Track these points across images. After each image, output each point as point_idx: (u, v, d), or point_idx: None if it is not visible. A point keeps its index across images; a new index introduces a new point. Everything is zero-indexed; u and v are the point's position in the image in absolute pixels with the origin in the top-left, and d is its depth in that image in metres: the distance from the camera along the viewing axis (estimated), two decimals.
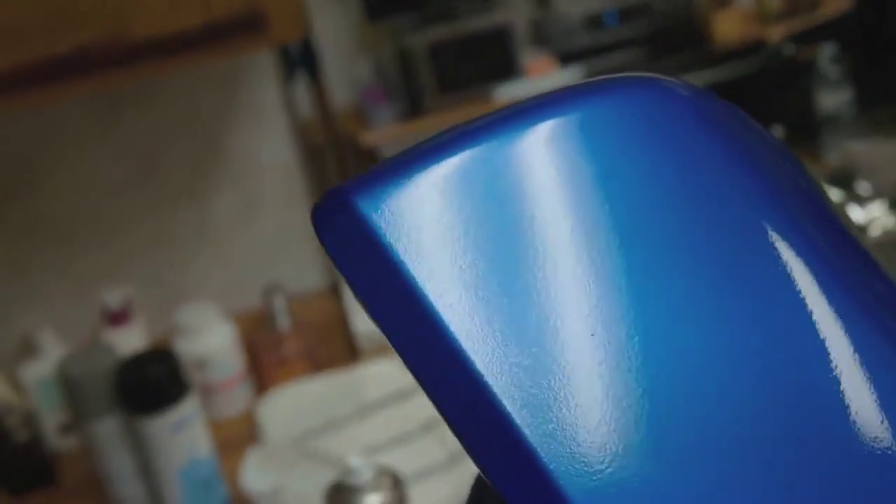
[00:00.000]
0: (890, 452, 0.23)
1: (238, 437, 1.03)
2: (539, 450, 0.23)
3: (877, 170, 1.15)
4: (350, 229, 0.25)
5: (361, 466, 0.71)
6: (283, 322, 1.12)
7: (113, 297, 1.14)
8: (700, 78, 2.13)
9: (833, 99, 1.40)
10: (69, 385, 0.85)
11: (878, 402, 0.24)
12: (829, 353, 0.24)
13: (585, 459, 0.23)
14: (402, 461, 0.84)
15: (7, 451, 1.04)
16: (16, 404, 1.05)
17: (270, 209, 1.34)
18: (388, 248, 0.24)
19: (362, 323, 1.11)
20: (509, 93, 2.14)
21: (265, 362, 1.12)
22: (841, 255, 0.27)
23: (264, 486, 0.87)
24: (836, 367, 0.24)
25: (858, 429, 0.24)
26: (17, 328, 1.22)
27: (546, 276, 0.24)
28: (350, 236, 0.25)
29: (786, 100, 1.52)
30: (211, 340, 1.07)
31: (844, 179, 1.12)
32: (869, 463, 0.23)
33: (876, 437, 0.24)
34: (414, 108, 2.14)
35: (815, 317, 0.25)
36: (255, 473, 0.89)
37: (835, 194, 1.09)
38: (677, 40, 2.32)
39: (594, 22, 2.33)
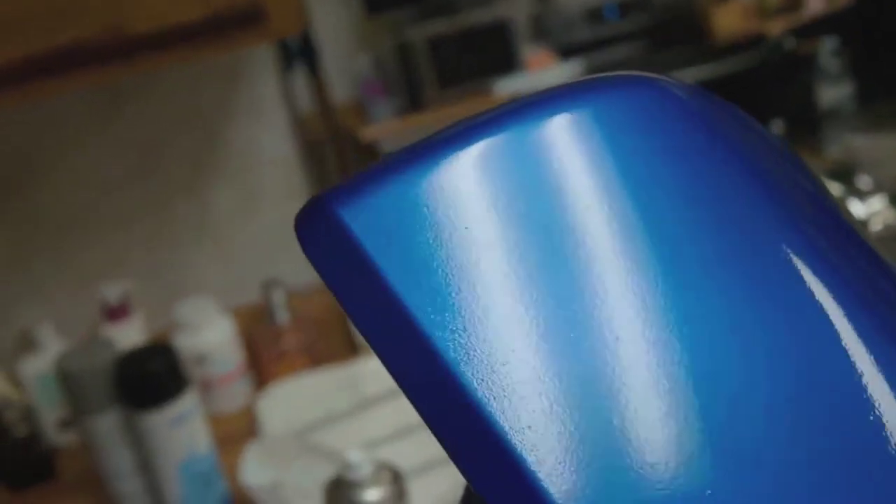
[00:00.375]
0: None
1: (237, 432, 1.03)
2: (525, 457, 0.22)
3: (877, 164, 1.15)
4: (331, 238, 0.24)
5: (361, 461, 0.71)
6: (283, 317, 1.11)
7: (112, 292, 1.14)
8: (700, 72, 2.12)
9: (833, 93, 1.40)
10: (68, 380, 0.85)
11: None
12: (852, 366, 0.24)
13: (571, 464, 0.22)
14: (402, 456, 0.84)
15: (6, 446, 1.04)
16: (15, 399, 1.05)
17: (270, 204, 1.34)
18: (370, 258, 0.24)
19: None
20: (509, 87, 2.14)
21: (264, 357, 1.12)
22: (845, 254, 0.27)
23: (264, 481, 0.87)
24: (860, 377, 0.24)
25: (890, 436, 0.23)
26: (17, 323, 1.22)
27: (539, 284, 0.24)
28: (332, 245, 0.24)
29: (786, 94, 1.51)
30: (210, 335, 1.07)
31: (845, 174, 1.12)
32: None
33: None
34: (414, 102, 2.14)
35: (831, 327, 0.24)
36: (254, 468, 0.89)
37: (835, 189, 1.09)
38: (677, 34, 2.32)
39: (594, 15, 2.33)
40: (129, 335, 1.10)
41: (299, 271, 1.30)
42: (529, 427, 0.22)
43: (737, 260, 0.25)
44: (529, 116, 0.26)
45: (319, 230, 0.25)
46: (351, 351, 1.13)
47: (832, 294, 0.25)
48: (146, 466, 0.86)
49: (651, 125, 0.26)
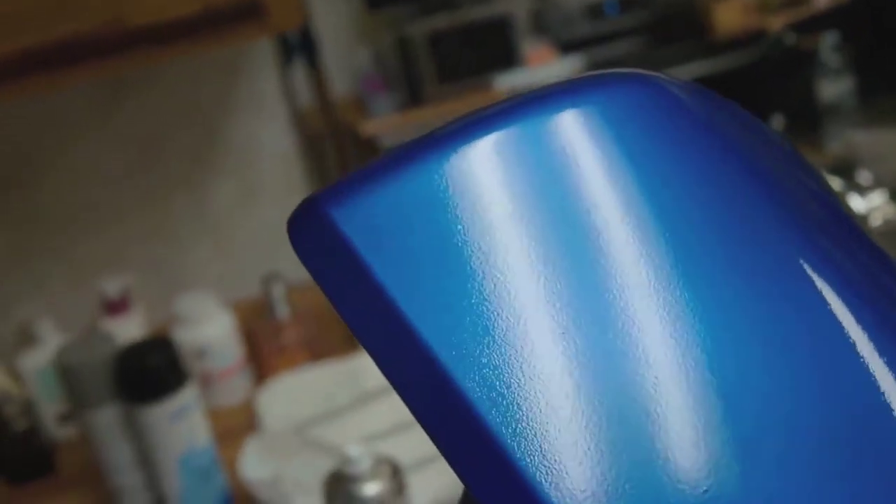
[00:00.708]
0: None
1: (237, 426, 1.03)
2: (518, 457, 0.22)
3: (878, 159, 1.15)
4: (322, 240, 0.24)
5: (360, 455, 0.71)
6: (283, 311, 1.11)
7: (112, 286, 1.14)
8: (700, 68, 2.12)
9: (834, 88, 1.40)
10: (68, 374, 0.85)
11: None
12: (864, 364, 0.24)
13: (567, 472, 0.22)
14: (401, 450, 0.84)
15: (6, 440, 1.04)
16: (15, 393, 1.05)
17: (270, 198, 1.34)
18: (361, 259, 0.23)
19: None
20: (509, 82, 2.14)
21: (264, 351, 1.12)
22: (846, 250, 0.26)
23: (263, 475, 0.87)
24: (872, 375, 0.24)
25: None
26: (16, 317, 1.22)
27: (517, 281, 0.24)
28: (323, 247, 0.24)
29: (787, 89, 1.51)
30: (210, 329, 1.07)
31: (845, 169, 1.12)
32: None
33: None
34: (413, 97, 2.14)
35: (839, 328, 0.24)
36: (254, 462, 0.89)
37: (836, 184, 1.08)
38: (678, 30, 2.32)
39: (594, 11, 2.33)
40: (129, 329, 1.10)
41: (299, 266, 1.29)
42: (529, 432, 0.22)
43: (743, 261, 0.25)
44: (524, 116, 0.25)
45: (311, 231, 0.24)
46: (351, 345, 1.13)
47: (837, 292, 0.25)
48: (146, 460, 0.86)
49: (648, 123, 0.26)
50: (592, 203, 0.24)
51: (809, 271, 0.25)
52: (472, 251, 0.24)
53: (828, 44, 1.41)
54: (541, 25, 2.34)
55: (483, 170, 0.24)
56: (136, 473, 0.88)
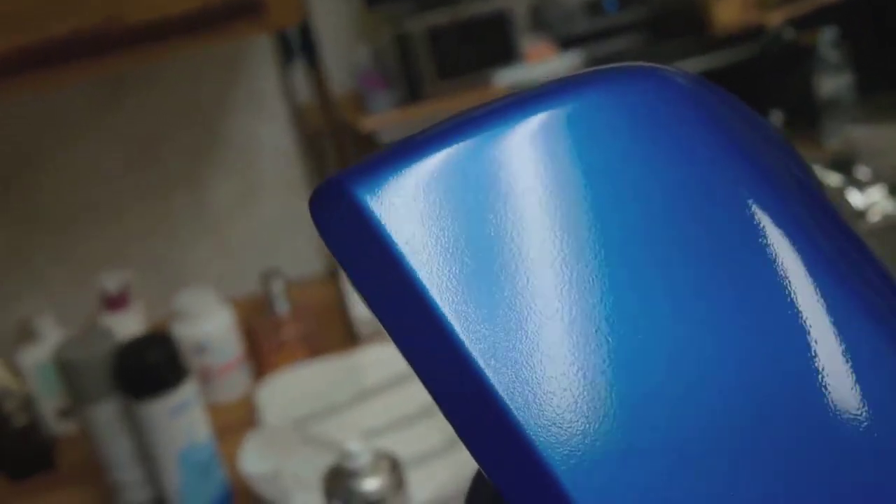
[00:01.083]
0: (868, 435, 0.23)
1: (237, 422, 1.03)
2: (547, 455, 0.22)
3: (877, 155, 1.15)
4: (348, 218, 0.24)
5: (360, 450, 0.71)
6: (282, 307, 1.11)
7: (111, 281, 1.14)
8: (699, 63, 2.12)
9: (833, 84, 1.40)
10: (67, 369, 0.85)
11: (860, 385, 0.24)
12: (812, 338, 0.24)
13: (567, 429, 0.23)
14: (401, 445, 0.84)
15: (6, 435, 1.04)
16: (14, 389, 1.05)
17: (270, 195, 1.34)
18: (387, 238, 0.24)
19: (361, 308, 1.11)
20: (509, 78, 2.14)
21: (264, 347, 1.12)
22: (832, 241, 0.27)
23: (263, 470, 0.87)
24: (817, 351, 0.24)
25: (838, 412, 0.24)
26: (16, 313, 1.22)
27: (536, 267, 0.24)
28: (348, 225, 0.24)
29: (786, 85, 1.51)
30: (209, 325, 1.07)
31: (844, 164, 1.12)
32: (848, 445, 0.23)
33: (856, 420, 0.24)
34: (413, 94, 2.14)
35: (801, 304, 0.25)
36: (254, 457, 0.89)
37: (835, 179, 1.09)
38: (677, 26, 2.32)
39: (594, 7, 2.33)
40: (129, 325, 1.10)
41: (299, 262, 1.30)
42: (549, 422, 0.23)
43: (716, 240, 0.25)
44: (517, 113, 0.26)
45: (334, 208, 0.25)
46: (350, 341, 1.13)
47: (821, 281, 0.25)
48: (146, 455, 0.87)
49: (651, 114, 0.27)
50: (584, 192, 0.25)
51: (792, 257, 0.25)
52: (498, 234, 0.24)
53: (826, 39, 1.41)
54: (540, 21, 2.34)
55: (492, 157, 0.25)
56: (135, 469, 0.88)
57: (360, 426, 0.92)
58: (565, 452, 0.22)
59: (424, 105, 2.11)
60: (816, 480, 0.23)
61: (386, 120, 2.07)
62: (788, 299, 0.25)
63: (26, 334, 1.16)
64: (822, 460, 0.23)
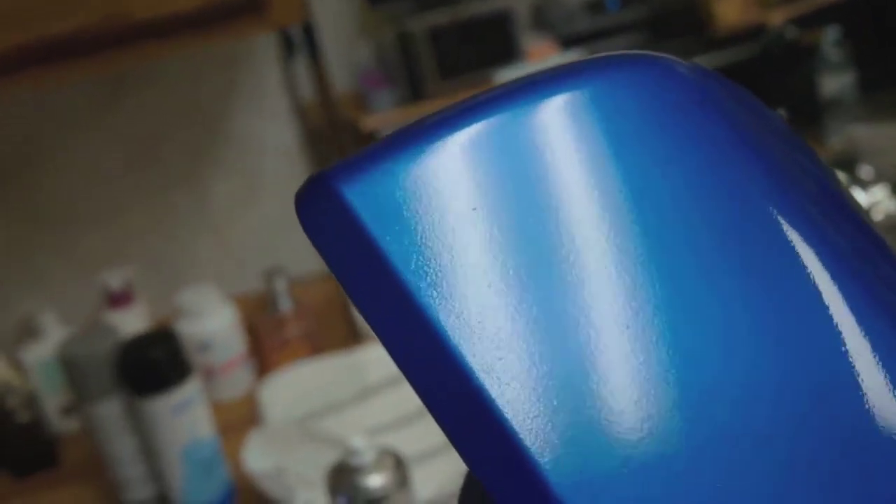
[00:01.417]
0: None
1: (240, 419, 1.03)
2: (527, 444, 0.22)
3: (879, 153, 1.15)
4: (333, 216, 0.24)
5: (364, 447, 0.71)
6: (285, 305, 1.12)
7: (114, 278, 1.14)
8: (701, 62, 2.12)
9: (835, 83, 1.40)
10: (70, 366, 0.85)
11: (891, 386, 0.24)
12: (840, 338, 0.24)
13: (571, 443, 0.22)
14: (404, 443, 0.84)
15: (9, 432, 1.04)
16: (18, 386, 1.05)
17: (271, 192, 1.34)
18: (371, 235, 0.23)
19: None
20: (510, 77, 2.13)
21: (267, 345, 1.12)
22: (847, 237, 0.26)
23: (266, 467, 0.87)
24: (847, 353, 0.24)
25: (873, 413, 0.23)
26: (19, 310, 1.22)
27: (545, 266, 0.24)
28: (333, 223, 0.24)
29: (788, 84, 1.51)
30: (212, 323, 1.07)
31: (847, 163, 1.12)
32: (884, 445, 0.23)
33: (889, 421, 0.23)
34: (414, 93, 2.13)
35: (824, 304, 0.24)
36: (257, 455, 0.89)
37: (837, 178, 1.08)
38: (678, 25, 2.32)
39: (595, 6, 2.33)
40: (132, 322, 1.10)
41: (301, 260, 1.30)
42: (531, 414, 0.22)
43: (734, 239, 0.25)
44: (532, 96, 0.25)
45: (320, 207, 0.24)
46: (353, 339, 1.13)
47: (840, 280, 0.25)
48: (149, 452, 0.87)
49: (655, 103, 0.26)
50: (579, 183, 0.25)
51: (810, 256, 0.25)
52: (480, 230, 0.24)
53: (829, 38, 1.41)
54: (541, 20, 2.34)
55: (490, 148, 0.24)
56: (138, 466, 0.88)
57: (363, 424, 0.92)
58: (554, 455, 0.22)
59: (426, 104, 2.11)
60: (853, 489, 0.23)
61: (387, 119, 2.06)
62: (810, 300, 0.24)
63: (29, 331, 1.16)
64: (860, 468, 0.23)
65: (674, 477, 0.22)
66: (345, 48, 2.15)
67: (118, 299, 1.14)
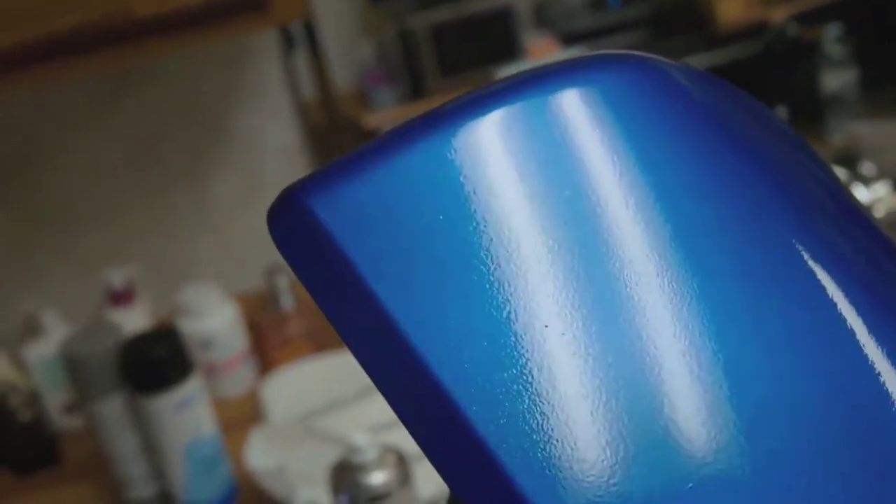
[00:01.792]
0: None
1: (242, 417, 1.03)
2: (503, 456, 0.22)
3: (881, 150, 1.15)
4: (302, 230, 0.23)
5: (366, 445, 0.71)
6: (287, 302, 1.11)
7: (116, 277, 1.14)
8: (703, 60, 2.12)
9: (837, 80, 1.40)
10: (73, 364, 0.85)
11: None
12: (862, 351, 0.24)
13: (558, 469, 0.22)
14: (406, 440, 0.84)
15: (11, 430, 1.04)
16: (20, 384, 1.05)
17: (273, 191, 1.33)
18: (341, 250, 0.23)
19: None
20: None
21: (268, 342, 1.12)
22: (852, 238, 0.26)
23: (269, 465, 0.87)
24: (871, 363, 0.24)
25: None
26: (21, 308, 1.22)
27: (524, 275, 0.23)
28: (302, 238, 0.23)
29: (790, 81, 1.51)
30: (214, 320, 1.07)
31: (849, 160, 1.12)
32: None
33: None
34: (415, 90, 2.14)
35: (839, 312, 0.24)
36: (259, 452, 0.89)
37: (839, 175, 1.08)
38: (680, 22, 2.31)
39: (596, 4, 2.32)
40: (134, 320, 1.10)
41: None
42: (510, 433, 0.22)
43: (746, 250, 0.24)
44: (518, 96, 0.24)
45: (289, 222, 0.24)
46: None
47: (843, 286, 0.24)
48: (151, 450, 0.87)
49: (645, 105, 0.25)
50: (591, 190, 0.24)
51: (811, 260, 0.25)
52: (459, 241, 0.23)
53: (831, 35, 1.41)
54: (543, 18, 2.34)
55: (474, 154, 0.24)
56: (141, 463, 0.88)
57: (366, 421, 0.92)
58: (529, 461, 0.22)
59: (427, 102, 2.11)
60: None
61: (389, 116, 2.06)
62: (825, 308, 0.24)
63: (31, 330, 1.16)
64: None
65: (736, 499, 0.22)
66: (346, 46, 2.15)
67: (120, 297, 1.14)
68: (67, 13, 0.88)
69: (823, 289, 0.24)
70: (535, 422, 0.22)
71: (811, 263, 0.24)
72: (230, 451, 0.91)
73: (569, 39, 2.27)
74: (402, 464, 0.73)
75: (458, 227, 0.23)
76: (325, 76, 1.37)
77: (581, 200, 0.24)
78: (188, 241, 1.31)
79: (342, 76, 2.11)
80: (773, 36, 1.61)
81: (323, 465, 0.80)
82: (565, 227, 0.23)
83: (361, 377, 0.97)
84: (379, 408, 0.95)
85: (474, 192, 0.23)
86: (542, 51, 2.21)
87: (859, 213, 0.28)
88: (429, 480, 0.80)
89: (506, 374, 0.22)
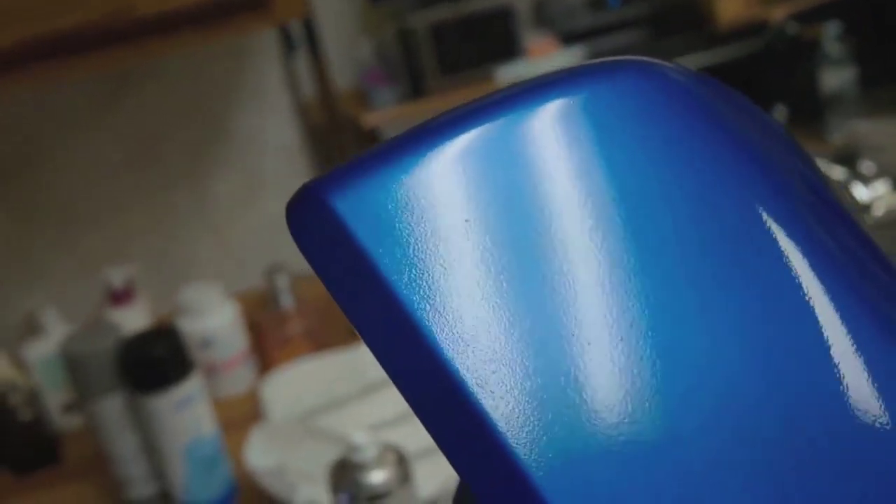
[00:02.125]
0: (889, 433, 0.23)
1: (242, 416, 1.03)
2: (523, 458, 0.22)
3: (881, 149, 1.15)
4: (324, 228, 0.24)
5: (366, 443, 0.71)
6: (287, 302, 1.12)
7: (117, 276, 1.14)
8: (703, 59, 2.12)
9: (837, 79, 1.40)
10: (73, 364, 0.85)
11: (877, 387, 0.24)
12: (826, 342, 0.24)
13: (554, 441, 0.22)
14: (406, 439, 0.84)
15: (11, 430, 1.04)
16: (20, 383, 1.05)
17: (273, 190, 1.34)
18: (361, 247, 0.23)
19: None
20: (511, 74, 2.13)
21: (268, 342, 1.12)
22: (837, 238, 0.27)
23: (268, 464, 0.87)
24: (833, 355, 0.24)
25: (858, 413, 0.24)
26: (21, 307, 1.22)
27: (539, 278, 0.24)
28: (324, 236, 0.24)
29: (789, 80, 1.51)
30: (214, 320, 1.07)
31: (848, 159, 1.12)
32: (869, 446, 0.23)
33: (875, 421, 0.23)
34: (415, 89, 2.13)
35: (811, 306, 0.24)
36: (259, 451, 0.89)
37: (839, 173, 1.09)
38: (679, 21, 2.31)
39: (596, 3, 2.32)
40: (134, 319, 1.10)
41: (302, 257, 1.30)
42: (526, 428, 0.22)
43: (726, 243, 0.25)
44: (521, 105, 0.25)
45: (310, 219, 0.24)
46: (354, 336, 1.13)
47: (828, 282, 0.25)
48: (151, 450, 0.87)
49: (646, 109, 0.26)
50: (568, 190, 0.25)
51: (799, 258, 0.25)
52: (470, 240, 0.23)
53: (830, 34, 1.41)
54: (542, 17, 2.34)
55: (480, 158, 0.24)
56: (140, 463, 0.88)
57: (365, 420, 0.92)
58: (542, 458, 0.22)
59: (427, 101, 2.11)
60: (837, 490, 0.23)
61: (389, 115, 2.06)
62: (798, 302, 0.24)
63: (31, 329, 1.16)
64: (843, 470, 0.23)
65: (657, 469, 0.22)
66: (345, 45, 2.15)
67: (120, 297, 1.14)
68: (68, 13, 0.88)
69: (796, 276, 0.25)
70: (545, 415, 0.23)
71: (785, 251, 0.25)
72: (230, 451, 0.91)
73: (568, 38, 2.27)
74: (401, 462, 0.73)
75: (481, 230, 0.24)
76: (325, 75, 1.37)
77: (551, 203, 0.25)
78: (188, 241, 1.31)
79: (342, 76, 2.11)
80: (773, 34, 1.61)
81: (323, 464, 0.80)
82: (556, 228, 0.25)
83: (361, 376, 0.97)
84: (379, 406, 0.95)
85: (499, 195, 0.24)
86: (541, 50, 2.21)
87: (841, 208, 0.29)
88: (428, 479, 0.80)
89: (520, 375, 0.23)
